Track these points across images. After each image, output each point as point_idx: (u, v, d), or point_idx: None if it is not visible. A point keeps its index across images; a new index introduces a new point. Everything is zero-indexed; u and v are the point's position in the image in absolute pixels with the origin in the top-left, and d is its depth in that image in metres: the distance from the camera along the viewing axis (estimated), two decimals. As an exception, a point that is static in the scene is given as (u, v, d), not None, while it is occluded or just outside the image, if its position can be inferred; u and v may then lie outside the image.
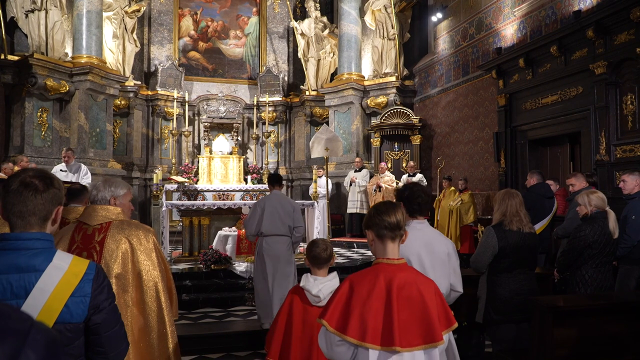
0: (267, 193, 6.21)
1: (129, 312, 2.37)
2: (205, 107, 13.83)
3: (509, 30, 9.55)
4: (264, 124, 13.93)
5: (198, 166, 13.19)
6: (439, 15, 11.86)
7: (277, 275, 5.45)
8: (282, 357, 2.77)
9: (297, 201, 10.32)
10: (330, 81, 13.53)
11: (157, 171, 12.25)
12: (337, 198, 12.15)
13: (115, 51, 12.07)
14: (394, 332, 1.93)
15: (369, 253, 9.03)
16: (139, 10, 12.40)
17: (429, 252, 2.85)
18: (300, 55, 13.75)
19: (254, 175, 13.52)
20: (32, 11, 10.32)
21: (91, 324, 1.64)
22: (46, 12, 10.39)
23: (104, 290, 1.69)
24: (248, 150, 14.28)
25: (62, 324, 1.57)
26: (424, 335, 1.98)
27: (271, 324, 2.98)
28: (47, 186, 1.64)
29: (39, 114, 10.34)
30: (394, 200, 2.86)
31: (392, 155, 12.37)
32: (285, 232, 5.55)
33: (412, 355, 1.96)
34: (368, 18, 12.58)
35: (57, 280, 1.57)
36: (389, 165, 12.01)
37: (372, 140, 12.48)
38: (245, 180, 13.30)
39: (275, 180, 5.81)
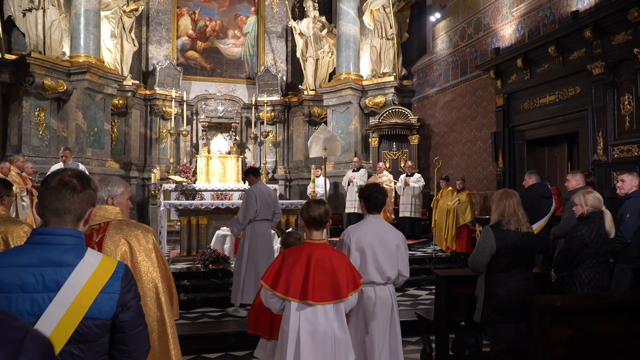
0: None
1: None
2: (203, 106, 13.81)
3: (507, 31, 9.56)
4: (262, 123, 13.92)
5: (196, 166, 13.19)
6: (438, 15, 11.87)
7: (262, 255, 6.17)
8: (260, 329, 3.56)
9: (295, 201, 10.34)
10: (329, 81, 13.53)
11: (155, 171, 12.29)
12: (335, 198, 12.15)
13: (113, 50, 12.05)
14: (308, 290, 2.74)
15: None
16: (137, 10, 12.38)
17: (380, 243, 3.40)
18: (298, 54, 13.75)
19: (252, 174, 13.49)
20: (30, 10, 10.29)
21: (118, 321, 1.66)
22: (44, 11, 10.36)
23: (132, 289, 1.71)
24: (246, 150, 14.28)
25: (91, 319, 1.59)
26: (333, 294, 2.79)
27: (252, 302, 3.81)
28: (85, 187, 1.68)
29: (36, 113, 10.32)
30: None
31: (390, 155, 12.38)
32: (270, 217, 6.42)
33: (324, 307, 2.78)
34: (366, 18, 12.59)
35: (88, 276, 1.60)
36: (387, 165, 12.01)
37: (370, 140, 12.48)
38: (244, 180, 13.27)
39: (257, 172, 6.75)
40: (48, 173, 1.74)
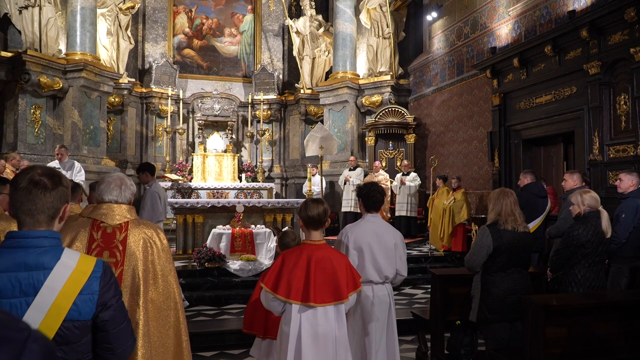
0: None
1: (149, 309, 2.40)
2: (199, 104, 13.78)
3: (503, 30, 9.57)
4: (258, 122, 13.91)
5: (192, 164, 13.16)
6: (434, 14, 11.88)
7: None
8: (255, 328, 3.59)
9: (291, 199, 10.33)
10: (325, 79, 13.52)
11: (151, 169, 12.21)
12: (331, 196, 12.16)
13: (109, 48, 12.02)
14: (310, 292, 2.72)
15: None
16: (133, 7, 12.34)
17: (379, 242, 3.40)
18: (295, 53, 13.74)
19: (249, 173, 13.50)
20: (26, 7, 10.25)
21: (99, 321, 1.65)
22: (40, 9, 10.32)
23: (112, 288, 1.70)
24: (242, 149, 14.26)
25: (71, 322, 1.58)
26: (333, 295, 2.77)
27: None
28: (56, 184, 1.64)
29: (32, 110, 10.28)
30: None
31: (386, 154, 12.38)
32: (163, 218, 6.17)
33: (325, 309, 2.76)
34: (363, 17, 12.58)
35: (66, 278, 1.58)
36: (384, 164, 12.01)
37: (366, 139, 12.48)
38: (240, 178, 13.28)
39: (153, 169, 6.24)
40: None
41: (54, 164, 8.31)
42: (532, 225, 5.70)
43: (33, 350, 0.98)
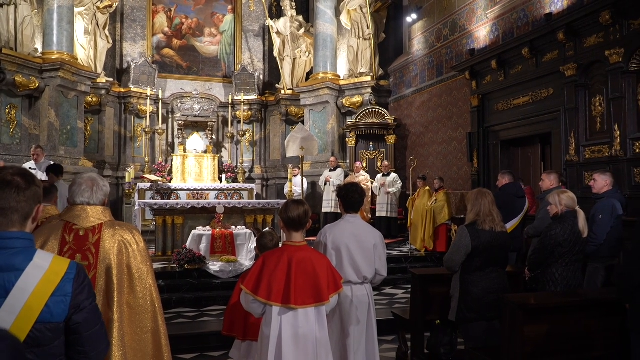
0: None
1: (125, 313, 2.36)
2: (179, 105, 13.66)
3: (482, 32, 9.68)
4: (239, 122, 13.83)
5: (172, 165, 13.04)
6: (414, 16, 11.96)
7: None
8: (234, 330, 3.62)
9: (272, 200, 10.30)
10: (306, 80, 13.52)
11: (129, 170, 12.11)
12: (313, 197, 12.15)
13: (86, 47, 11.84)
14: (290, 294, 2.70)
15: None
16: (111, 6, 12.18)
17: (357, 242, 3.41)
18: (275, 54, 13.71)
19: (229, 174, 13.42)
20: (1, 5, 10.02)
21: (72, 323, 1.63)
22: (15, 7, 10.11)
23: (85, 290, 1.68)
24: (223, 149, 14.17)
25: (43, 324, 1.56)
26: (314, 297, 2.75)
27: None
28: (29, 184, 1.63)
29: (7, 110, 10.08)
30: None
31: (367, 155, 12.43)
32: None
33: (305, 311, 2.75)
34: (344, 18, 12.62)
35: (38, 279, 1.56)
36: (364, 165, 12.06)
37: (347, 139, 12.52)
38: (220, 179, 13.20)
39: (60, 170, 6.25)
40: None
41: (30, 164, 8.14)
42: (510, 225, 5.76)
43: (1, 349, 0.96)
